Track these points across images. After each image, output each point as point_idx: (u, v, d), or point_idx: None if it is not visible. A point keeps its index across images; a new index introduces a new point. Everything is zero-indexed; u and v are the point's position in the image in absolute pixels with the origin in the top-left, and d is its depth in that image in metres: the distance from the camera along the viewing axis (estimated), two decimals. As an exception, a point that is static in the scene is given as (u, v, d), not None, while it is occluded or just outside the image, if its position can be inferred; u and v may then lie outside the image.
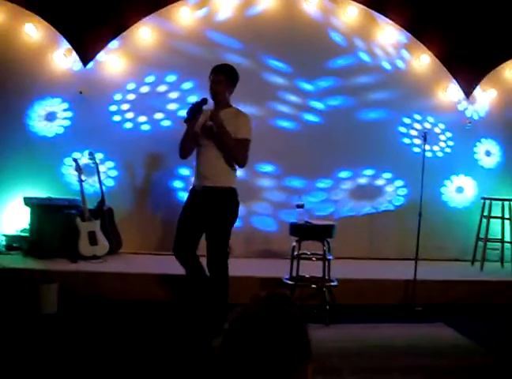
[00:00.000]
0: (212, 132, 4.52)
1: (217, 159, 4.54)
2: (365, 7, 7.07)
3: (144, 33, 6.81)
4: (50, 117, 6.78)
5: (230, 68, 4.67)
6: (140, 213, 6.89)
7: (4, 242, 6.41)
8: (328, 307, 5.03)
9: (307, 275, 5.41)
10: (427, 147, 6.23)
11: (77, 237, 6.11)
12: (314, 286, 5.28)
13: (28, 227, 6.30)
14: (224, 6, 6.92)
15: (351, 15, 7.08)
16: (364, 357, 4.19)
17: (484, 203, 6.83)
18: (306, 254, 5.39)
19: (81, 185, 6.22)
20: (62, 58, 6.74)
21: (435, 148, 7.23)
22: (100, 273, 5.62)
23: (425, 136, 5.70)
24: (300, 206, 5.38)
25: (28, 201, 6.23)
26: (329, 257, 5.23)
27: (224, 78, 4.58)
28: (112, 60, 6.80)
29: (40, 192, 6.50)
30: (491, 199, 6.78)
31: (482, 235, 6.78)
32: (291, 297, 1.41)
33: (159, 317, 5.01)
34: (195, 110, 4.49)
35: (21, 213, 6.39)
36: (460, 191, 7.34)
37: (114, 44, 6.79)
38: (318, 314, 4.97)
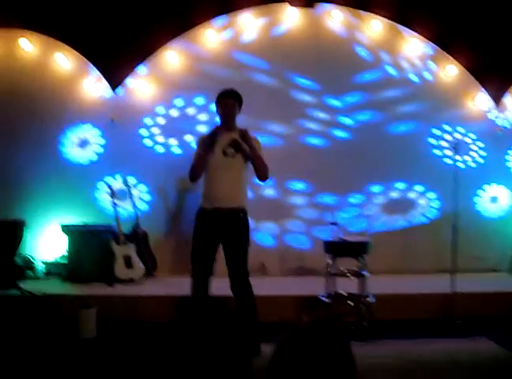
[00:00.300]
0: (241, 152, 4.61)
1: (236, 181, 4.66)
2: (389, 20, 7.08)
3: (171, 57, 6.92)
4: (83, 143, 6.91)
5: (238, 92, 4.80)
6: (174, 236, 6.94)
7: (43, 269, 6.52)
8: (366, 324, 4.99)
9: (344, 292, 5.38)
10: (459, 157, 6.17)
11: (113, 261, 6.18)
12: (350, 303, 5.24)
13: (65, 253, 6.39)
14: (248, 27, 7.00)
15: (375, 29, 7.10)
16: (406, 373, 4.15)
17: (519, 211, 6.74)
18: (341, 271, 5.36)
19: (115, 210, 6.31)
20: (93, 86, 6.88)
21: (467, 158, 7.16)
22: (137, 296, 5.67)
23: (456, 146, 5.66)
24: (334, 223, 5.37)
25: (65, 228, 6.34)
26: (364, 273, 5.20)
27: (235, 102, 4.75)
28: (141, 85, 6.92)
29: (75, 218, 6.61)
30: (526, 207, 6.68)
31: (519, 244, 6.68)
32: (329, 316, 1.41)
33: (196, 337, 5.02)
34: (214, 136, 4.62)
35: (59, 240, 6.50)
36: (494, 201, 7.25)
37: (141, 69, 6.91)
38: (355, 331, 4.94)
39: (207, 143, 4.61)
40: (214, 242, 4.60)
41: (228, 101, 4.72)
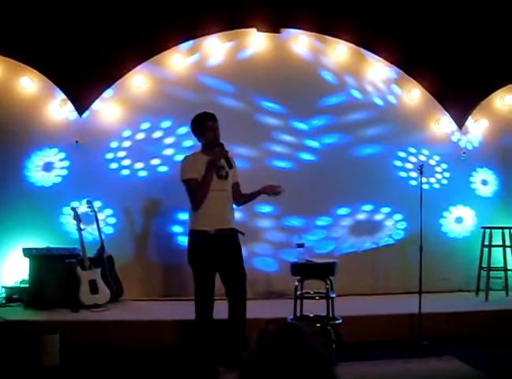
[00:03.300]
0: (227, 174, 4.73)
1: (230, 202, 4.81)
2: (354, 45, 7.20)
3: (138, 81, 6.91)
4: (48, 167, 6.82)
5: None
6: (140, 259, 6.85)
7: (4, 294, 6.36)
8: (334, 346, 4.97)
9: (311, 315, 5.37)
10: (424, 179, 6.26)
11: (78, 286, 6.06)
12: (318, 325, 5.22)
13: (27, 278, 6.25)
14: (215, 51, 7.04)
15: (340, 54, 7.21)
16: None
17: (484, 232, 6.82)
18: (309, 293, 5.35)
19: (80, 234, 6.21)
20: (58, 109, 6.83)
21: (432, 179, 7.27)
22: (102, 322, 5.56)
23: (421, 168, 5.72)
24: (300, 245, 5.36)
25: (27, 252, 6.20)
26: (332, 295, 5.19)
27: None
28: (107, 108, 6.88)
29: (39, 242, 6.48)
30: (490, 228, 6.77)
31: (484, 264, 6.75)
32: (313, 337, 1.37)
33: (164, 364, 4.94)
34: (218, 161, 4.68)
35: (21, 264, 6.36)
36: (459, 221, 7.35)
37: (108, 93, 6.87)
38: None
39: (211, 168, 4.60)
40: (217, 264, 4.61)
41: (214, 124, 4.74)
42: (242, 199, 5.00)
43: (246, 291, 4.70)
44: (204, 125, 4.74)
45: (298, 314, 5.25)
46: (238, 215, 6.80)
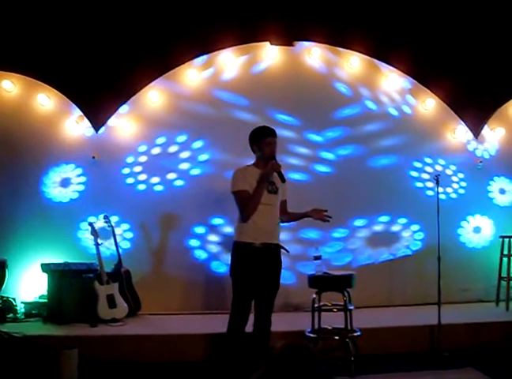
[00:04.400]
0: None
1: (277, 217, 4.75)
2: (367, 56, 7.21)
3: (153, 96, 6.96)
4: (65, 182, 6.88)
5: None
6: (157, 273, 6.87)
7: (23, 310, 6.40)
8: (352, 358, 4.93)
9: (329, 327, 5.33)
10: (441, 189, 6.22)
11: (96, 301, 6.08)
12: (336, 337, 5.19)
13: (46, 293, 6.29)
14: (229, 65, 7.09)
15: (354, 65, 7.22)
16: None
17: (503, 241, 6.75)
18: (326, 306, 5.32)
19: (98, 249, 6.25)
20: (75, 125, 6.89)
21: (449, 189, 7.23)
22: (120, 336, 5.56)
23: (437, 178, 5.68)
24: (317, 257, 5.34)
25: (45, 268, 6.24)
26: (350, 307, 5.16)
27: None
28: (123, 124, 6.94)
29: (57, 257, 6.52)
30: (509, 237, 6.70)
31: (504, 274, 6.68)
32: (312, 348, 1.37)
33: (183, 378, 4.94)
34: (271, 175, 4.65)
35: (39, 280, 6.40)
36: (477, 231, 7.29)
37: (124, 108, 6.93)
38: (342, 366, 4.87)
39: (264, 181, 4.54)
40: (259, 278, 4.54)
41: (273, 140, 4.67)
42: (286, 217, 4.92)
43: (269, 314, 4.69)
44: (262, 139, 4.65)
45: (316, 327, 5.22)
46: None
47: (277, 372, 1.28)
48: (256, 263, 4.51)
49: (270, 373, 1.29)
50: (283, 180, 4.67)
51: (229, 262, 4.68)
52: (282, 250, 4.72)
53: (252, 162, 4.75)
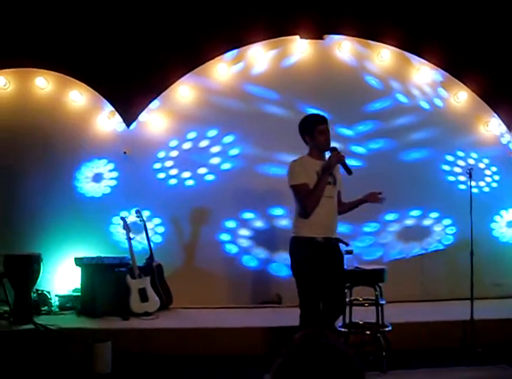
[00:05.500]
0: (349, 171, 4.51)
1: (336, 210, 4.59)
2: (398, 49, 7.13)
3: (184, 91, 7.00)
4: (97, 178, 6.97)
5: None
6: (188, 267, 6.92)
7: (57, 303, 6.51)
8: (384, 353, 4.90)
9: (361, 322, 5.31)
10: (473, 183, 6.14)
11: (128, 294, 6.16)
12: (368, 332, 5.17)
13: (79, 286, 6.40)
14: (259, 60, 7.08)
15: (385, 58, 7.15)
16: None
17: (537, 236, 6.65)
18: (358, 300, 5.30)
19: (130, 243, 6.32)
20: (106, 121, 6.98)
21: (481, 183, 7.12)
22: (152, 330, 5.62)
23: (470, 172, 5.61)
24: (349, 252, 5.31)
25: (78, 261, 6.34)
26: (381, 302, 5.13)
27: None
28: (154, 119, 7.00)
29: (90, 251, 6.63)
30: (544, 232, 6.60)
31: (538, 269, 6.58)
32: (338, 340, 1.38)
33: (214, 371, 4.97)
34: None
35: (73, 273, 6.51)
36: (510, 225, 7.18)
37: (155, 104, 6.99)
38: (374, 361, 4.85)
39: (326, 172, 4.39)
40: (324, 272, 4.36)
41: (326, 127, 4.52)
42: (341, 207, 4.72)
43: (345, 302, 4.66)
44: (315, 128, 4.49)
45: (347, 321, 5.20)
46: (285, 222, 6.84)
47: (298, 360, 1.29)
48: (320, 258, 4.35)
49: (291, 361, 1.30)
50: (349, 172, 4.48)
51: (289, 261, 4.50)
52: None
53: (305, 153, 4.61)
